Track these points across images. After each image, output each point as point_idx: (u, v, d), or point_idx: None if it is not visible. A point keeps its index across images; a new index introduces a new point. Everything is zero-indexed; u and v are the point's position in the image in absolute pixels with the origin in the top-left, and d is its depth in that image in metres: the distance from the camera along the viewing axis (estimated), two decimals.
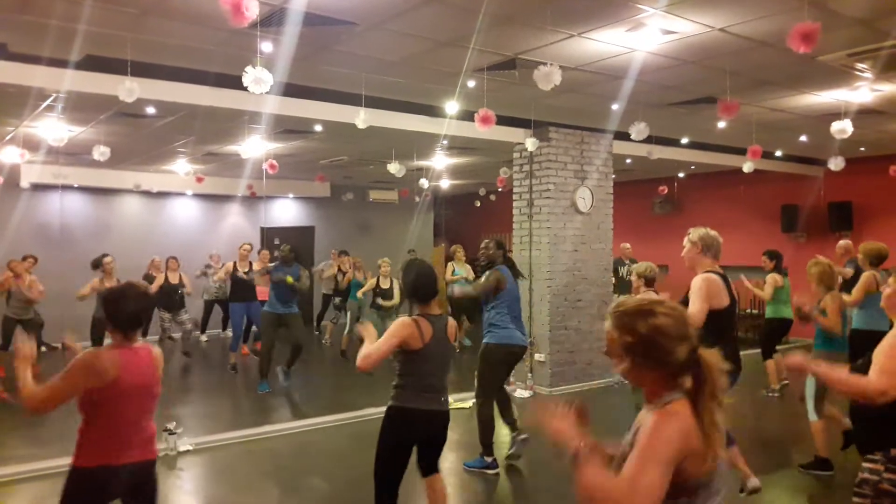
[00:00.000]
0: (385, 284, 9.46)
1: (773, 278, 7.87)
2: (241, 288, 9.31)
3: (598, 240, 8.79)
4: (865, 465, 2.97)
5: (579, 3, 4.56)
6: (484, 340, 5.52)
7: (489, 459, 5.42)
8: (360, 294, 9.86)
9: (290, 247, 8.45)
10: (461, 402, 7.49)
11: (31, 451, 5.84)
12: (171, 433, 5.83)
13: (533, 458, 5.69)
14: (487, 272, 5.66)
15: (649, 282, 5.94)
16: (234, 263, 9.30)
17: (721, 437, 1.76)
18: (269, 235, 14.14)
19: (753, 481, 4.60)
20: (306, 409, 7.57)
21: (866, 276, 6.00)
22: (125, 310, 2.91)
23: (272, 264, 8.85)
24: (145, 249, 12.19)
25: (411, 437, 3.61)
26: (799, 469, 5.38)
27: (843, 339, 5.46)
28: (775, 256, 8.03)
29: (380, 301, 9.53)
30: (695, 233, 4.30)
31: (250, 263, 9.40)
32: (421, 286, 3.65)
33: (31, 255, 8.94)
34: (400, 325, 3.50)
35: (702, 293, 4.04)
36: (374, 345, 3.45)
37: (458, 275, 11.15)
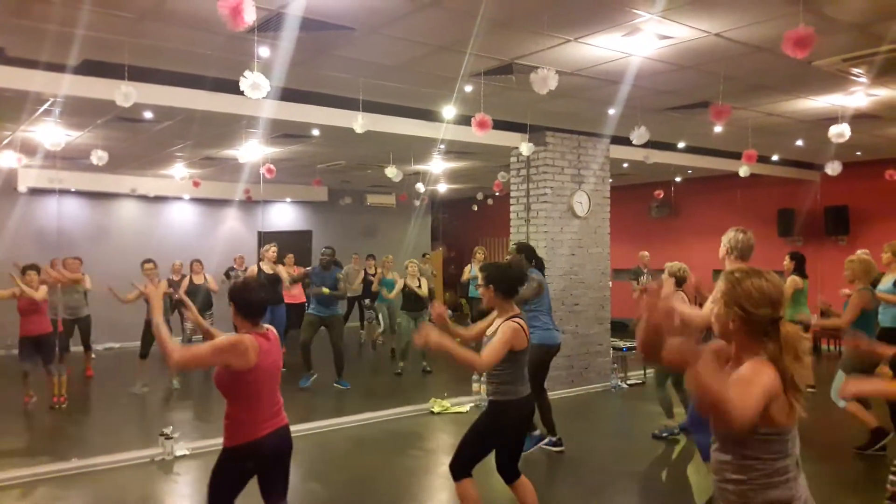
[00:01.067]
0: (413, 284, 9.47)
1: (793, 280, 7.83)
2: (271, 290, 9.37)
3: (595, 244, 8.80)
4: (893, 468, 3.01)
5: (576, 9, 4.58)
6: (536, 337, 5.58)
7: (554, 438, 5.84)
8: (391, 295, 9.89)
9: (332, 250, 8.67)
10: (458, 405, 7.50)
11: (28, 458, 5.82)
12: (168, 437, 5.81)
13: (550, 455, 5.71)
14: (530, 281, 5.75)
15: (679, 281, 5.98)
16: (259, 265, 9.37)
17: (801, 394, 2.00)
18: (267, 240, 14.10)
19: None
20: (304, 413, 7.55)
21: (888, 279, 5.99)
22: (251, 299, 3.28)
23: (309, 268, 9.04)
24: (142, 254, 12.10)
25: (524, 422, 3.94)
26: (857, 451, 5.55)
27: (873, 334, 5.52)
28: (797, 258, 7.98)
29: (415, 289, 9.47)
30: (728, 237, 4.35)
31: (273, 267, 9.50)
32: (511, 281, 3.89)
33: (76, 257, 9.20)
34: (512, 332, 3.69)
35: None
36: (490, 349, 3.64)
37: (475, 275, 11.16)
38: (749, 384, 1.93)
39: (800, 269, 7.92)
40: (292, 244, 14.80)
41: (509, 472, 3.94)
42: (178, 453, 5.82)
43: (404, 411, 7.30)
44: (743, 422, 1.84)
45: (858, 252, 7.68)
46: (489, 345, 3.68)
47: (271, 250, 9.55)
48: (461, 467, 3.82)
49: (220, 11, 3.54)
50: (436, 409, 7.36)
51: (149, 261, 8.72)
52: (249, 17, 3.57)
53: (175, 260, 10.40)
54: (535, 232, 8.43)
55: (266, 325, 3.36)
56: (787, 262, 8.04)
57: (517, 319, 3.76)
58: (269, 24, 4.66)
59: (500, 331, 3.70)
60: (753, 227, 13.23)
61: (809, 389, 7.94)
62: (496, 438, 3.87)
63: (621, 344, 9.12)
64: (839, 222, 11.54)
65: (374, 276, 11.20)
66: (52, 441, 6.38)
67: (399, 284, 9.59)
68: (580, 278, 8.58)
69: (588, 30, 4.97)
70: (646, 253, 11.31)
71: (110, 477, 4.36)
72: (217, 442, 6.10)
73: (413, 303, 9.44)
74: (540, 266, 6.01)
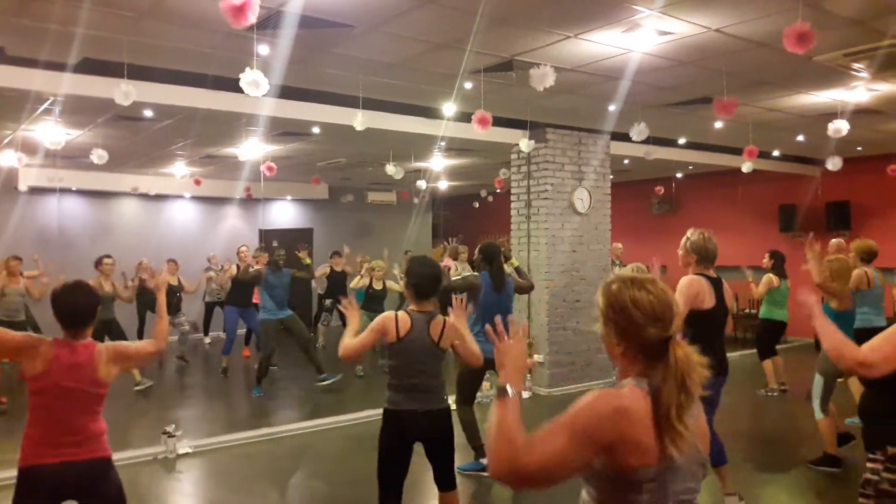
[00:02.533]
0: (378, 286, 9.42)
1: (768, 278, 7.88)
2: (238, 292, 9.34)
3: (596, 240, 8.80)
4: (868, 465, 2.98)
5: (575, 5, 4.57)
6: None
7: (484, 461, 5.39)
8: (351, 287, 9.70)
9: (284, 252, 8.58)
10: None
11: None
12: (171, 436, 5.83)
13: None
14: (466, 274, 5.62)
15: None
16: (237, 266, 9.32)
17: (684, 435, 1.63)
18: (268, 237, 14.14)
19: (732, 501, 4.47)
20: (305, 411, 7.57)
21: (857, 273, 6.00)
22: (60, 304, 2.95)
23: (259, 267, 8.82)
24: (143, 252, 12.15)
25: (403, 438, 3.57)
26: (808, 465, 5.40)
27: (851, 336, 5.48)
28: (776, 256, 8.05)
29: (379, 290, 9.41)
30: (689, 239, 4.31)
31: (248, 266, 9.40)
32: (419, 282, 3.63)
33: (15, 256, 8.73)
34: (379, 318, 3.55)
35: (682, 293, 4.10)
36: (358, 339, 3.47)
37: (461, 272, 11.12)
38: (559, 420, 1.62)
39: (778, 267, 7.93)
40: (293, 242, 14.80)
41: (440, 482, 3.71)
42: (181, 451, 5.83)
43: None
44: (527, 468, 1.57)
45: (833, 241, 7.71)
46: (361, 333, 3.51)
47: (242, 250, 9.48)
48: (383, 498, 3.55)
49: (221, 7, 3.53)
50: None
51: (108, 256, 8.54)
52: (254, 15, 3.56)
53: (143, 258, 10.39)
54: (536, 228, 8.42)
55: (87, 339, 2.99)
56: (766, 260, 8.06)
57: (404, 311, 3.57)
58: (268, 22, 4.66)
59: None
60: (755, 223, 13.32)
61: (783, 386, 7.95)
62: (383, 453, 3.55)
63: None
64: (840, 218, 11.53)
65: (340, 273, 10.96)
66: None
67: (359, 281, 9.36)
68: (581, 275, 8.58)
69: (588, 26, 4.96)
70: (619, 245, 11.25)
71: None
72: (223, 439, 6.21)
73: (375, 303, 9.34)
74: (497, 272, 5.46)
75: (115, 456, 5.86)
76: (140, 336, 10.81)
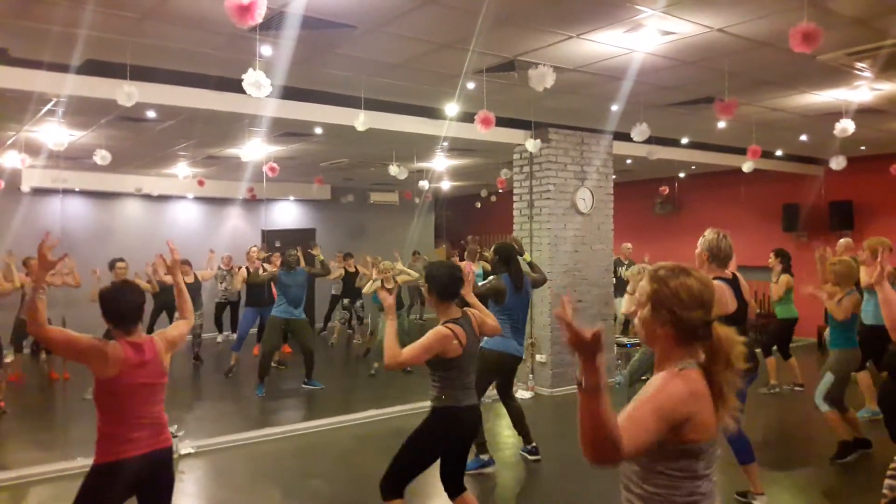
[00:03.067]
0: (389, 285, 9.44)
1: (786, 279, 7.87)
2: (254, 293, 9.42)
3: (598, 240, 8.79)
4: (889, 472, 2.95)
5: (578, 5, 4.57)
6: (480, 344, 5.50)
7: (485, 458, 5.42)
8: (365, 292, 9.81)
9: (296, 252, 8.61)
10: None
11: (33, 456, 5.85)
12: (173, 436, 5.81)
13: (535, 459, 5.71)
14: (490, 279, 5.65)
15: None
16: (248, 269, 9.38)
17: (732, 403, 1.82)
18: (270, 238, 14.15)
19: (762, 499, 4.54)
20: (309, 411, 7.58)
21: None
22: (116, 303, 3.05)
23: (272, 269, 8.90)
24: (147, 253, 12.09)
25: (459, 435, 3.65)
26: (831, 461, 5.44)
27: (856, 336, 5.51)
28: (781, 254, 8.02)
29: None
30: (705, 239, 4.32)
31: (258, 269, 9.49)
32: (450, 284, 3.66)
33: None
34: (438, 337, 3.48)
35: None
36: (408, 349, 3.44)
37: (476, 274, 11.16)
38: (643, 406, 1.73)
39: (786, 265, 7.93)
40: (296, 242, 14.81)
41: (453, 486, 3.71)
42: (184, 452, 5.84)
43: (409, 409, 7.30)
44: (628, 455, 1.65)
45: (841, 241, 7.68)
46: (413, 344, 3.46)
47: (252, 250, 9.51)
48: (392, 485, 3.54)
49: (226, 6, 3.53)
50: None
51: (121, 260, 8.58)
52: (260, 15, 3.56)
53: (187, 260, 10.39)
54: (539, 229, 8.42)
55: (145, 336, 3.09)
56: (772, 260, 8.03)
57: (450, 324, 3.53)
58: (270, 23, 4.66)
59: (427, 334, 3.49)
60: (758, 223, 13.29)
61: (797, 388, 7.96)
62: (431, 450, 3.62)
63: (625, 340, 9.12)
64: (844, 217, 11.50)
65: (354, 274, 11.17)
66: (56, 440, 6.41)
67: (373, 286, 9.42)
68: (584, 275, 8.57)
69: (590, 26, 4.95)
70: (628, 245, 11.24)
71: None
72: (226, 439, 6.21)
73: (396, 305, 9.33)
74: (516, 272, 5.54)
75: None
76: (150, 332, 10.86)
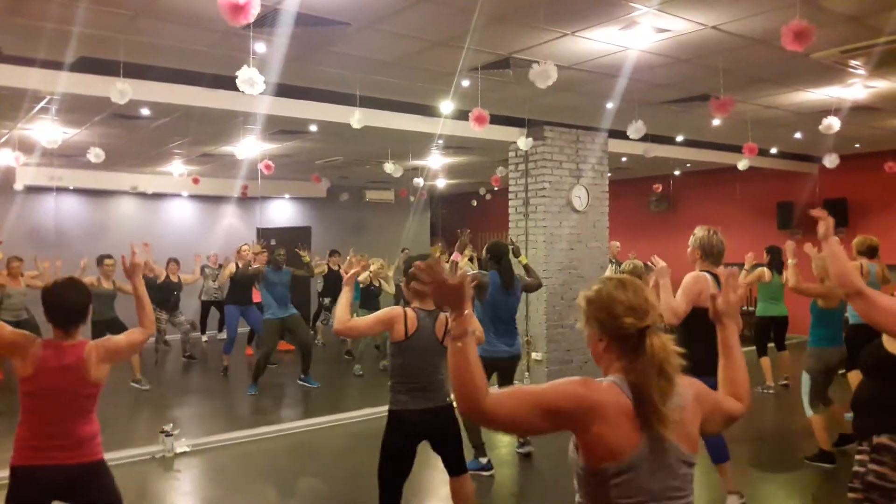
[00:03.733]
0: (377, 283, 9.46)
1: (760, 271, 7.91)
2: (238, 290, 9.34)
3: (593, 238, 8.80)
4: (857, 457, 2.97)
5: (572, 2, 4.57)
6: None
7: (483, 461, 5.39)
8: (345, 283, 9.66)
9: (284, 251, 8.60)
10: None
11: None
12: (168, 435, 5.82)
13: (532, 458, 5.71)
14: (475, 272, 5.63)
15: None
16: (237, 265, 9.32)
17: (669, 417, 1.69)
18: (266, 236, 14.12)
19: (733, 499, 4.43)
20: (303, 409, 7.57)
21: (853, 265, 5.98)
22: (52, 303, 2.91)
23: (258, 266, 8.86)
24: (140, 245, 12.13)
25: (409, 439, 3.57)
26: (804, 460, 5.42)
27: (840, 333, 5.50)
28: (771, 252, 8.05)
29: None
30: (696, 237, 4.32)
31: (248, 263, 9.43)
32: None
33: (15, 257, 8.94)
34: (388, 310, 3.57)
35: (686, 290, 4.12)
36: (359, 318, 3.62)
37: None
38: (529, 388, 1.71)
39: (775, 262, 7.93)
40: (291, 240, 14.78)
41: (451, 467, 3.72)
42: (179, 450, 5.82)
43: None
44: (489, 409, 1.63)
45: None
46: (365, 316, 3.62)
47: (243, 249, 9.48)
48: (385, 497, 3.50)
49: (219, 4, 3.52)
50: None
51: (108, 256, 8.51)
52: (254, 14, 3.55)
53: (175, 259, 10.40)
54: (534, 226, 8.42)
55: (77, 338, 2.93)
56: (765, 257, 8.08)
57: (410, 308, 3.52)
58: (264, 20, 4.64)
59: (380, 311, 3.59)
60: (753, 220, 13.29)
61: (785, 381, 7.97)
62: (392, 455, 3.51)
63: None
64: (838, 215, 11.50)
65: (337, 271, 10.94)
66: None
67: (361, 276, 9.36)
68: (579, 273, 8.58)
69: (585, 23, 4.95)
70: (616, 243, 11.23)
71: None
72: (221, 438, 6.20)
73: (372, 301, 9.36)
74: (505, 270, 5.46)
75: (113, 455, 5.85)
76: None
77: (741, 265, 8.47)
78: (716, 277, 4.22)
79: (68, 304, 2.91)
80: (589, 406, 1.69)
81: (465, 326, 1.65)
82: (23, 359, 2.80)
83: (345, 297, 3.63)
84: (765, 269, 7.93)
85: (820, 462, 5.33)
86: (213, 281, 11.48)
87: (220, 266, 11.59)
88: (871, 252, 6.03)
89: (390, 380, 3.61)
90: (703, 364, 2.47)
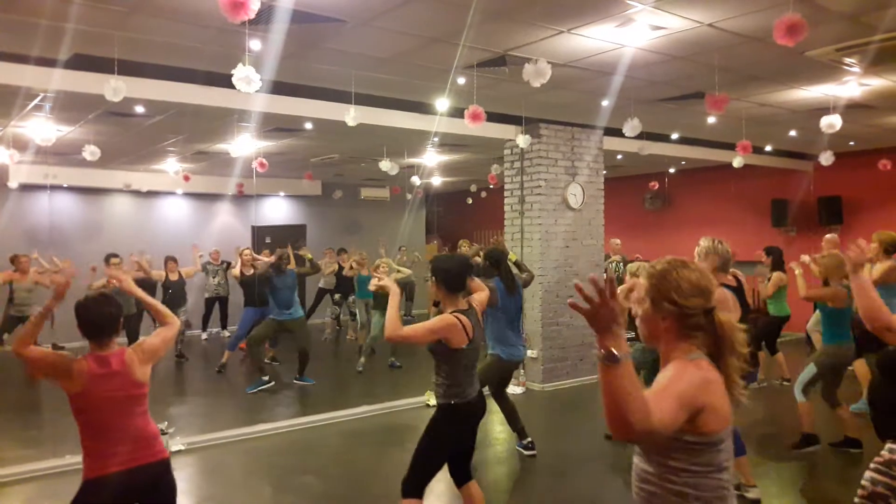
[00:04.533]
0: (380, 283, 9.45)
1: (778, 277, 7.84)
2: (250, 293, 9.34)
3: (589, 236, 8.81)
4: (868, 472, 2.95)
5: (568, 0, 4.56)
6: (492, 351, 5.52)
7: (526, 441, 5.58)
8: (372, 287, 9.67)
9: (286, 253, 8.63)
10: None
11: (21, 453, 5.81)
12: (164, 433, 5.80)
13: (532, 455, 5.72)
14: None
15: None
16: (242, 272, 9.33)
17: (740, 388, 1.85)
18: (261, 234, 14.11)
19: (755, 491, 4.59)
20: (300, 407, 7.56)
21: (886, 266, 5.95)
22: (86, 317, 2.99)
23: (265, 269, 8.85)
24: (135, 249, 12.09)
25: (469, 427, 3.70)
26: (792, 450, 5.51)
27: (849, 330, 5.51)
28: (774, 253, 7.99)
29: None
30: (700, 248, 4.27)
31: (252, 268, 9.43)
32: (458, 276, 3.69)
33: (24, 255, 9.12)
34: (445, 323, 3.50)
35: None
36: (411, 327, 3.50)
37: None
38: (664, 392, 1.74)
39: (778, 263, 7.92)
40: (286, 238, 14.77)
41: (460, 475, 3.79)
42: (174, 449, 5.82)
43: (400, 404, 7.31)
44: (658, 427, 1.63)
45: (827, 236, 7.70)
46: (416, 324, 3.53)
47: (244, 252, 9.48)
48: (414, 485, 3.56)
49: (220, 5, 3.50)
50: (431, 402, 7.35)
51: (114, 255, 8.60)
52: (254, 10, 3.54)
53: (173, 257, 10.37)
54: (530, 224, 8.43)
55: (114, 348, 3.01)
56: (764, 258, 8.03)
57: (458, 314, 3.55)
58: (260, 17, 4.62)
59: (434, 318, 3.56)
60: (747, 218, 13.31)
61: (784, 382, 8.02)
62: (445, 447, 3.66)
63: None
64: (832, 212, 11.57)
65: (349, 270, 11.08)
66: (46, 437, 6.37)
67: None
68: (574, 270, 8.59)
69: (581, 21, 4.95)
70: (617, 240, 11.23)
71: None
72: (217, 436, 6.20)
73: (383, 300, 9.35)
74: (506, 275, 5.62)
75: None
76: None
77: (736, 263, 8.48)
78: (731, 288, 4.19)
79: (102, 317, 3.00)
80: (711, 385, 1.79)
81: (624, 348, 1.59)
82: (68, 378, 2.87)
83: (394, 304, 3.53)
84: (781, 273, 7.84)
85: (806, 446, 5.45)
86: (214, 277, 11.50)
87: (223, 262, 11.63)
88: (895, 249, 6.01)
89: (445, 376, 3.61)
90: None
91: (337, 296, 11.60)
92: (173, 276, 10.11)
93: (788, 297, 7.94)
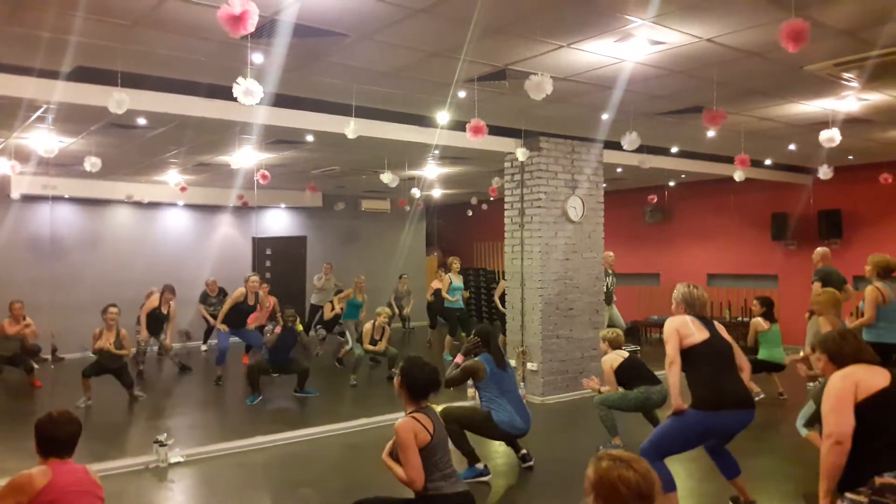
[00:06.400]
0: (377, 335, 9.46)
1: (755, 322, 7.82)
2: (233, 316, 9.35)
3: (589, 248, 8.82)
4: (849, 495, 2.97)
5: (568, 15, 4.60)
6: (494, 414, 5.47)
7: (480, 467, 5.42)
8: (365, 346, 9.55)
9: (293, 312, 8.80)
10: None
11: (20, 465, 5.79)
12: (162, 444, 5.79)
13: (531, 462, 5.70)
14: (468, 361, 5.67)
15: (614, 345, 6.31)
16: (245, 294, 9.30)
17: None
18: (261, 246, 14.14)
19: None
20: (298, 419, 7.54)
21: (870, 290, 5.99)
22: (50, 436, 3.12)
23: (273, 332, 8.90)
24: (136, 260, 12.16)
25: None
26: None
27: None
28: (766, 304, 7.95)
29: (372, 347, 9.45)
30: (679, 292, 4.48)
31: (256, 295, 9.41)
32: (425, 387, 3.76)
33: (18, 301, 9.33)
34: (407, 429, 3.56)
35: (667, 335, 4.27)
36: (404, 467, 3.55)
37: (454, 286, 11.15)
38: None
39: (768, 313, 7.88)
40: (287, 250, 14.83)
41: None
42: (173, 460, 5.80)
43: (399, 417, 7.27)
44: None
45: (818, 250, 7.62)
46: (403, 457, 3.55)
47: (251, 279, 9.44)
48: None
49: (218, 17, 3.54)
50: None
51: (113, 305, 8.25)
52: (253, 25, 3.57)
53: (171, 286, 10.35)
54: (530, 237, 8.44)
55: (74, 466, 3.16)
56: (755, 306, 7.99)
57: (414, 414, 3.65)
58: (262, 31, 4.67)
59: (396, 436, 3.59)
60: (747, 232, 13.33)
61: (781, 398, 7.97)
62: None
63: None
64: (832, 226, 11.59)
65: (330, 312, 11.19)
66: None
67: (366, 332, 9.40)
68: (574, 283, 8.59)
69: (581, 35, 4.99)
70: (610, 253, 11.23)
71: (104, 484, 4.37)
72: (215, 448, 6.18)
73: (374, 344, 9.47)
74: (496, 351, 5.69)
75: (106, 465, 5.84)
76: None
77: (736, 276, 8.51)
78: (698, 318, 4.34)
79: (65, 435, 3.14)
80: None
81: None
82: (31, 482, 2.94)
83: (398, 471, 3.63)
84: (759, 319, 7.80)
85: None
86: (213, 308, 11.35)
87: (220, 292, 11.58)
88: (888, 272, 6.02)
89: (432, 474, 3.63)
90: (696, 400, 3.83)
91: (323, 332, 11.69)
92: (164, 309, 10.09)
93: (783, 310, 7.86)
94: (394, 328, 11.19)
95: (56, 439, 3.09)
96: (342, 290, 11.63)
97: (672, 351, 4.21)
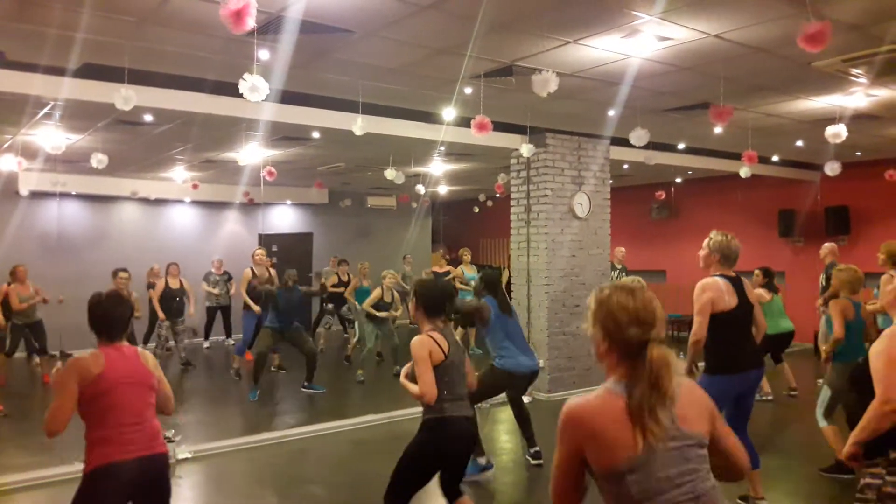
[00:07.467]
0: (388, 298, 9.43)
1: (758, 294, 7.74)
2: (256, 297, 9.34)
3: (595, 245, 8.80)
4: (868, 470, 2.98)
5: (575, 11, 4.58)
6: (497, 362, 5.55)
7: (482, 461, 5.43)
8: (366, 306, 9.63)
9: (295, 272, 8.78)
10: None
11: (29, 460, 5.83)
12: (170, 441, 5.81)
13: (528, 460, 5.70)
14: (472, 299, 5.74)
15: None
16: (252, 270, 9.34)
17: (654, 431, 1.73)
18: (268, 242, 14.15)
19: None
20: (305, 416, 7.56)
21: (885, 280, 5.91)
22: (99, 314, 3.06)
23: (270, 287, 8.87)
24: (143, 257, 12.18)
25: (452, 446, 3.66)
26: (820, 472, 5.35)
27: (863, 347, 5.37)
28: (767, 274, 7.96)
29: (375, 311, 9.39)
30: (714, 240, 4.36)
31: (266, 269, 9.44)
32: (439, 302, 3.75)
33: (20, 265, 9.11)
34: (421, 344, 3.57)
35: (697, 303, 4.17)
36: (420, 382, 3.53)
37: (468, 277, 11.15)
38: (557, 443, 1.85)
39: (769, 283, 7.87)
40: (293, 246, 14.85)
41: (449, 493, 3.75)
42: (181, 456, 5.82)
43: (406, 413, 7.29)
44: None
45: (825, 245, 7.53)
46: (419, 373, 3.54)
47: (257, 253, 9.51)
48: (395, 498, 3.58)
49: (222, 14, 3.54)
50: None
51: (124, 270, 8.50)
52: (252, 20, 3.57)
53: (154, 264, 10.41)
54: (536, 233, 8.43)
55: (126, 344, 3.13)
56: (757, 275, 7.97)
57: (430, 332, 3.64)
58: (268, 27, 4.67)
59: (413, 351, 3.57)
60: (754, 228, 13.29)
61: (792, 394, 7.95)
62: (425, 464, 3.63)
63: None
64: (840, 222, 11.54)
65: (346, 283, 11.02)
66: (54, 444, 6.38)
67: (374, 295, 9.35)
68: (581, 280, 8.58)
69: (587, 31, 4.97)
70: (621, 249, 11.19)
71: None
72: (222, 444, 6.21)
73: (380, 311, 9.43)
74: (502, 298, 5.69)
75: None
76: (147, 338, 10.87)
77: (743, 273, 8.43)
78: (729, 279, 4.24)
79: (116, 316, 3.08)
80: (580, 422, 1.81)
81: None
82: (87, 369, 2.89)
83: (412, 388, 3.64)
84: (762, 290, 7.74)
85: (838, 474, 5.19)
86: (215, 287, 11.49)
87: (225, 273, 11.62)
88: None
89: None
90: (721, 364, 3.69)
91: (330, 305, 11.48)
92: (174, 284, 10.11)
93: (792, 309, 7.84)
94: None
95: (107, 319, 3.05)
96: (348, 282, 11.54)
97: (700, 329, 4.11)
